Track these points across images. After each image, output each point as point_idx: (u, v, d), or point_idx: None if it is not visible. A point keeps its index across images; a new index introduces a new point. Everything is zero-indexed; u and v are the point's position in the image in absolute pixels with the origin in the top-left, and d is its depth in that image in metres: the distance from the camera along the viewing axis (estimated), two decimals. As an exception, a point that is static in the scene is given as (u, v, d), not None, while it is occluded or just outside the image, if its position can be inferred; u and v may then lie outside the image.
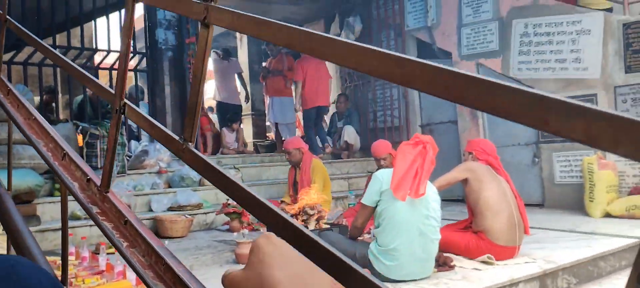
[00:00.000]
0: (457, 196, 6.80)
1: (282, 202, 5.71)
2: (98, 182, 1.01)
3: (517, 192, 3.90)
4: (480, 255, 3.64)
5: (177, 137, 0.81)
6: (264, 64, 8.99)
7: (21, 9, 6.16)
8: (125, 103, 0.91)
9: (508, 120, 0.40)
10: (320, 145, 7.96)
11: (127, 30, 0.90)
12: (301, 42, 0.59)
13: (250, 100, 9.74)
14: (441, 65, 0.45)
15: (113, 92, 0.94)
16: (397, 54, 0.48)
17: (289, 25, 0.61)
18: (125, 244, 0.86)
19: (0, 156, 4.88)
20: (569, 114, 0.37)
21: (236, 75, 8.83)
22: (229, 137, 8.10)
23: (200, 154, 0.77)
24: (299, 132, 9.21)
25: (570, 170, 6.11)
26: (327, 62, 10.80)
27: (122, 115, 0.94)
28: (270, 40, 0.64)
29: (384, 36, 8.30)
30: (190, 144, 0.78)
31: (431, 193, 3.28)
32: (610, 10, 6.31)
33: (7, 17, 1.51)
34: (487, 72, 6.95)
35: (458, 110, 7.22)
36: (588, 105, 0.36)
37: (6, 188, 1.86)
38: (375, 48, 0.49)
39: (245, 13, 0.69)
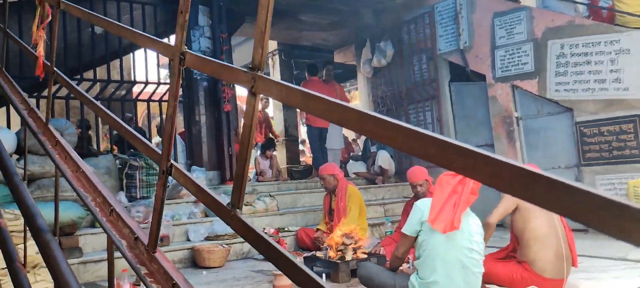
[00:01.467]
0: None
1: (317, 229, 5.67)
2: (145, 240, 1.01)
3: (566, 221, 3.75)
4: (525, 287, 3.51)
5: (224, 203, 0.80)
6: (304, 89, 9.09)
7: (63, 44, 6.40)
8: (172, 164, 0.92)
9: (582, 223, 0.37)
10: None
11: (174, 93, 0.91)
12: (353, 121, 0.58)
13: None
14: (503, 158, 0.43)
15: (159, 152, 0.96)
16: (457, 142, 0.46)
17: (339, 102, 0.60)
18: (173, 309, 0.86)
19: (40, 189, 5.05)
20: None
21: None
22: (263, 164, 8.15)
23: (248, 223, 0.76)
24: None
25: (614, 194, 5.87)
26: (354, 90, 10.80)
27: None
28: (320, 115, 0.63)
29: (415, 60, 8.26)
30: (238, 210, 0.78)
31: (474, 224, 3.17)
32: (650, 28, 6.13)
33: (55, 69, 1.56)
34: (523, 94, 6.82)
35: (494, 132, 7.09)
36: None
37: (52, 224, 1.92)
38: (435, 135, 0.48)
39: (292, 85, 0.69)
